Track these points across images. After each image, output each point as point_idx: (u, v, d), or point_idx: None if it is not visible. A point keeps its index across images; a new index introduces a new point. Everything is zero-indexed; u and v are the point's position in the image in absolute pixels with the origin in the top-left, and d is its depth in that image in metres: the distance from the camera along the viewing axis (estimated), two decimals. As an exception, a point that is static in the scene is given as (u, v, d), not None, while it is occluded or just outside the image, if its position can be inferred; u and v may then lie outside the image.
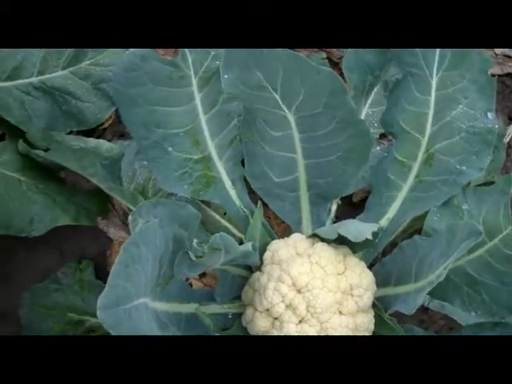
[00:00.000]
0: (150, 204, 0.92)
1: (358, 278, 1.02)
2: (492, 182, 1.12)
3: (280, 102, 0.98)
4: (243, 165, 1.13)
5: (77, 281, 1.28)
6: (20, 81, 1.23)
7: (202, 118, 1.08)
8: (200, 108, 1.07)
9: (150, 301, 0.90)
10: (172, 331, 0.98)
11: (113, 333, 0.77)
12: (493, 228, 1.06)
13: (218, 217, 1.20)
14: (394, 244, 1.17)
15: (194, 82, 1.05)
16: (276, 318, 1.01)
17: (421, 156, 1.10)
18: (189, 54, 1.02)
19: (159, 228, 0.87)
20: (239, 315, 1.09)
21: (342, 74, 1.16)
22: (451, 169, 1.07)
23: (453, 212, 1.07)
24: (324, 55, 1.39)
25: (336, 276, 1.01)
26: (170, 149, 1.06)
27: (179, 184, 1.08)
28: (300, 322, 1.00)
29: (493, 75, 1.10)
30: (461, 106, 1.07)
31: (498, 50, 1.43)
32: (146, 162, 1.21)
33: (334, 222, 1.19)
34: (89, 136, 1.31)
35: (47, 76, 1.24)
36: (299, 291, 1.00)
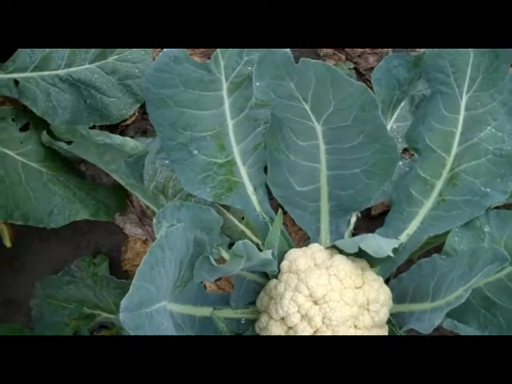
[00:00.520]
0: (175, 206, 0.92)
1: (376, 293, 1.02)
2: (514, 205, 1.12)
3: (309, 113, 0.97)
4: (266, 171, 1.13)
5: (90, 275, 1.28)
6: (47, 72, 1.23)
7: (230, 123, 1.07)
8: (228, 113, 1.07)
9: (167, 303, 0.90)
10: (186, 333, 0.98)
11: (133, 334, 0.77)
12: (514, 252, 1.05)
13: (236, 221, 1.20)
14: (409, 260, 1.17)
15: (225, 86, 1.04)
16: (290, 328, 1.01)
17: (445, 175, 1.09)
18: (221, 58, 1.02)
19: (183, 231, 0.87)
20: (253, 321, 1.10)
21: (368, 86, 1.16)
22: (475, 190, 1.07)
23: (474, 233, 1.06)
24: (351, 65, 1.38)
25: (354, 290, 1.01)
26: (196, 152, 1.06)
27: (202, 187, 1.08)
28: (314, 333, 1.00)
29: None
30: (489, 128, 1.07)
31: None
32: (167, 161, 1.22)
33: (353, 234, 1.19)
34: (111, 131, 1.31)
35: (74, 69, 1.24)
36: (316, 302, 1.00)
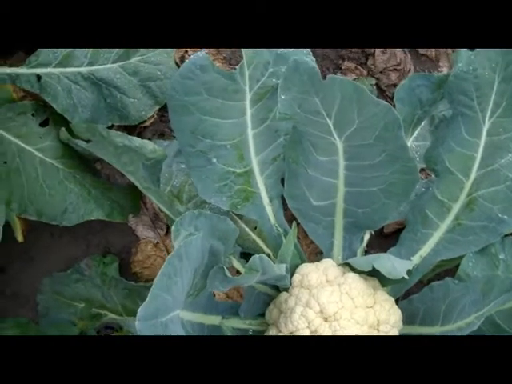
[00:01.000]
0: (193, 215, 0.92)
1: (387, 314, 1.02)
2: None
3: (332, 129, 0.97)
4: (282, 183, 1.13)
5: (99, 274, 1.28)
6: (70, 69, 1.23)
7: (250, 133, 1.07)
8: (249, 123, 1.07)
9: (180, 311, 0.90)
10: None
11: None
12: (528, 281, 1.05)
13: (248, 230, 1.20)
14: (419, 281, 1.17)
15: (248, 96, 1.04)
16: (299, 343, 1.01)
17: (462, 199, 1.09)
18: (247, 68, 1.02)
19: (200, 241, 0.87)
20: (261, 333, 1.09)
21: (388, 102, 1.16)
22: (492, 216, 1.06)
23: (489, 260, 1.06)
24: (373, 81, 1.38)
25: (365, 309, 1.01)
26: (215, 160, 1.06)
27: (218, 195, 1.08)
28: (323, 349, 1.00)
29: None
30: (510, 155, 1.06)
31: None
32: (183, 165, 1.22)
33: (365, 252, 1.19)
34: (129, 132, 1.31)
35: (97, 67, 1.24)
36: (326, 319, 1.00)
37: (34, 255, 1.35)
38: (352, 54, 1.38)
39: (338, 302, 1.00)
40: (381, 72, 1.39)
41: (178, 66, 1.30)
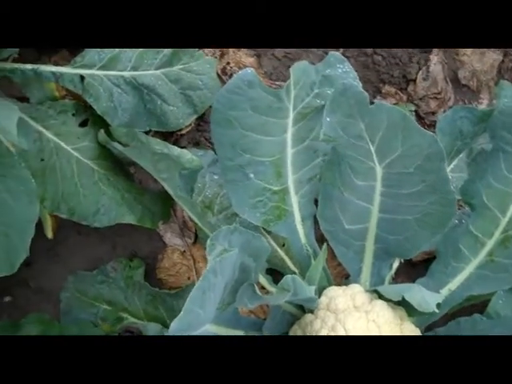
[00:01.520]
0: (228, 230, 0.91)
1: (413, 346, 1.00)
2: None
3: (373, 154, 0.97)
4: (315, 203, 1.13)
5: (124, 277, 1.28)
6: (113, 72, 1.24)
7: (289, 152, 1.07)
8: (290, 141, 1.07)
9: (209, 325, 0.90)
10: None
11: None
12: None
13: (276, 246, 1.20)
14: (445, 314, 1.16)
15: (291, 115, 1.04)
16: (321, 366, 1.00)
17: (497, 235, 1.08)
18: (293, 88, 1.02)
19: (235, 258, 0.87)
20: (282, 352, 1.08)
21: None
22: (527, 255, 1.05)
23: (521, 300, 1.05)
24: (412, 108, 1.37)
25: (391, 339, 1.00)
26: (252, 175, 1.06)
27: (252, 211, 1.08)
28: (345, 375, 0.99)
29: None
30: (550, 195, 1.05)
31: None
32: (216, 176, 1.23)
33: (393, 279, 1.18)
34: (165, 138, 1.32)
35: (140, 72, 1.25)
36: (351, 345, 0.99)
37: (61, 252, 1.35)
38: (393, 79, 1.38)
39: (365, 330, 0.99)
40: (420, 99, 1.38)
41: (220, 77, 1.32)
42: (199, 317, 0.78)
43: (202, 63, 1.29)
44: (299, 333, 1.06)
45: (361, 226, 1.09)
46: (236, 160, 1.06)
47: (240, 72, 1.00)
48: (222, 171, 1.08)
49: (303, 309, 1.10)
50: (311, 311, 1.07)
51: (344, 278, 1.25)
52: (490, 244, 1.08)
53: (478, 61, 1.38)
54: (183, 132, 1.33)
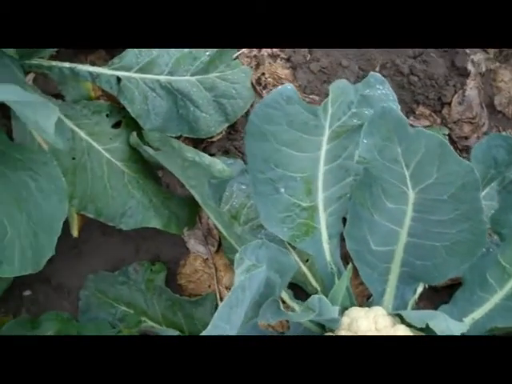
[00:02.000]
0: (257, 245, 0.91)
1: (434, 375, 0.99)
2: None
3: (407, 179, 0.96)
4: (342, 222, 1.12)
5: (145, 280, 1.29)
6: (150, 76, 1.24)
7: (321, 169, 1.07)
8: (323, 159, 1.06)
9: (229, 337, 0.89)
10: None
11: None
12: None
13: (299, 261, 1.19)
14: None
15: (327, 133, 1.04)
16: (339, 388, 0.99)
17: (526, 267, 1.06)
18: (330, 106, 1.02)
19: (263, 274, 0.87)
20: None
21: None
22: (556, 290, 1.04)
23: (547, 335, 1.03)
24: (446, 131, 1.36)
25: (412, 365, 0.99)
26: (283, 190, 1.06)
27: (280, 225, 1.07)
28: (362, 399, 0.98)
29: None
30: None
31: None
32: (244, 186, 1.22)
33: (416, 304, 1.17)
34: (196, 145, 1.32)
35: (175, 78, 1.25)
36: (371, 369, 0.98)
37: (84, 251, 1.36)
38: (428, 101, 1.37)
39: (386, 354, 0.98)
40: (454, 122, 1.37)
41: (254, 87, 1.31)
42: (225, 331, 0.78)
43: (237, 72, 1.29)
44: (319, 352, 1.05)
45: (388, 248, 1.08)
46: (268, 173, 1.05)
47: (280, 87, 1.00)
48: (253, 183, 1.07)
49: (324, 327, 1.09)
50: (332, 330, 1.07)
51: (366, 299, 1.24)
52: (518, 276, 1.07)
53: (515, 88, 1.37)
54: (214, 139, 1.33)
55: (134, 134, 1.22)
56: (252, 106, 1.32)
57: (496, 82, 1.38)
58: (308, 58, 1.34)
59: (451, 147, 0.90)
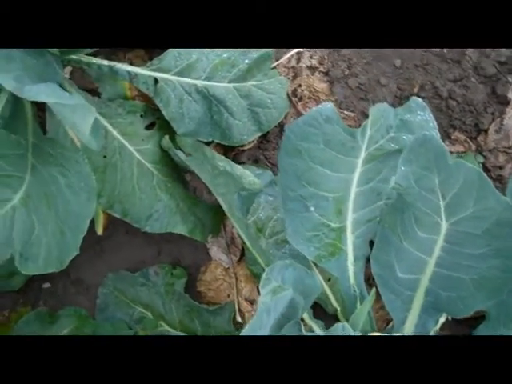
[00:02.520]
0: (283, 265, 0.90)
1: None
2: None
3: (442, 210, 0.94)
4: (368, 245, 1.11)
5: (165, 284, 1.28)
6: (187, 79, 1.24)
7: (353, 191, 1.06)
8: (356, 180, 1.05)
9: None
10: None
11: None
12: None
13: (322, 280, 1.18)
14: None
15: (363, 155, 1.02)
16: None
17: (554, 309, 1.04)
18: (369, 128, 1.00)
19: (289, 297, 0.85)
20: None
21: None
22: None
23: None
24: (481, 159, 1.33)
25: (430, 399, 0.97)
26: (313, 208, 1.05)
27: (307, 244, 1.06)
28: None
29: None
30: None
31: None
32: (271, 198, 1.21)
33: (437, 334, 1.15)
34: (226, 151, 1.31)
35: (212, 83, 1.24)
36: (388, 399, 0.96)
37: (106, 248, 1.36)
38: (465, 126, 1.34)
39: (405, 385, 0.96)
40: (490, 151, 1.35)
41: (289, 98, 1.30)
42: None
43: (274, 82, 1.28)
44: (335, 375, 1.04)
45: (414, 276, 1.07)
46: (299, 191, 1.04)
47: (320, 106, 0.99)
48: (282, 199, 1.06)
49: (342, 350, 1.08)
50: (350, 354, 1.05)
51: (385, 323, 1.23)
52: (546, 317, 1.05)
53: (555, 120, 1.34)
54: (245, 148, 1.32)
55: (167, 137, 1.21)
56: (286, 117, 1.31)
57: (536, 112, 1.35)
58: (346, 73, 1.32)
59: (490, 181, 0.88)
